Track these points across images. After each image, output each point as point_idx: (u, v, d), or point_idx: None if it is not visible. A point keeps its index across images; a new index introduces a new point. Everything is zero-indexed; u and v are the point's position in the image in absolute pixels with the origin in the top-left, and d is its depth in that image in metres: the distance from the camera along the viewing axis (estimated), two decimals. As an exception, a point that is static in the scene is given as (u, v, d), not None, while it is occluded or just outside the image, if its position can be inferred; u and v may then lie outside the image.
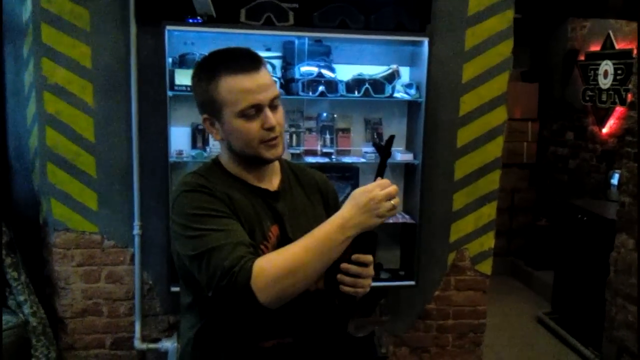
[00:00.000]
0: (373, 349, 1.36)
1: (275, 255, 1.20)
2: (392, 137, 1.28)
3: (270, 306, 1.17)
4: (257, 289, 1.14)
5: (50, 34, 2.61)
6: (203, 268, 1.20)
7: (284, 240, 1.31)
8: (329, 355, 1.41)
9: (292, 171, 1.46)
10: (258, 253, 1.23)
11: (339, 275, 1.26)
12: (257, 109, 1.26)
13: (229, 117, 1.27)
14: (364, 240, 1.24)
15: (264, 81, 1.28)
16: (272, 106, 1.29)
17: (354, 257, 1.25)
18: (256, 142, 1.28)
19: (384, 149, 1.28)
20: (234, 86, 1.25)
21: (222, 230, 1.21)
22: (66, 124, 2.69)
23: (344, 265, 1.25)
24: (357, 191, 1.22)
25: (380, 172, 1.26)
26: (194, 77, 1.33)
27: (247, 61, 1.28)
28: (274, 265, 1.16)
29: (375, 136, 2.90)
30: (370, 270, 1.28)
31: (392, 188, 1.22)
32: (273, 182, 1.39)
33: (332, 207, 1.47)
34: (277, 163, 1.40)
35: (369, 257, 1.26)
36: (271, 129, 1.28)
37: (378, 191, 1.20)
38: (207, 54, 1.35)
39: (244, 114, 1.26)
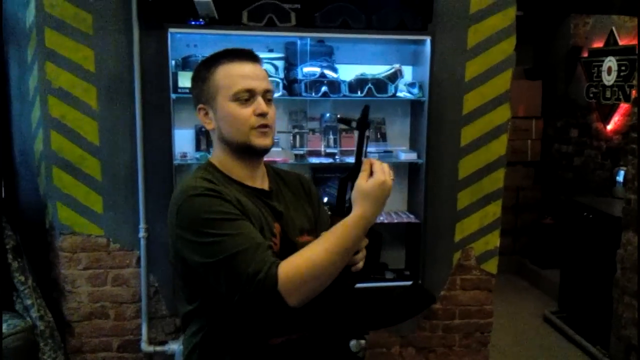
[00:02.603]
0: (425, 293, 1.39)
1: (298, 258, 1.19)
2: (367, 107, 1.30)
3: (299, 305, 1.20)
4: (285, 293, 1.16)
5: (53, 38, 2.62)
6: (223, 275, 1.18)
7: (285, 237, 1.34)
8: (337, 349, 1.42)
9: (276, 174, 1.50)
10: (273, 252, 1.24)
11: None
12: (251, 94, 1.31)
13: (223, 101, 1.31)
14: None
15: (260, 72, 1.34)
16: (266, 99, 1.33)
17: None
18: (247, 127, 1.31)
19: (361, 121, 1.29)
20: (231, 71, 1.31)
21: (239, 234, 1.20)
22: (71, 127, 2.70)
23: None
24: (368, 187, 1.23)
25: (359, 148, 1.30)
26: (194, 73, 1.38)
27: (246, 53, 1.35)
28: (300, 270, 1.17)
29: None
30: (364, 242, 1.31)
31: (387, 166, 1.27)
32: (264, 183, 1.42)
33: (316, 205, 1.52)
34: (263, 167, 1.43)
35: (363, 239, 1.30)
36: (263, 114, 1.31)
37: (389, 180, 1.24)
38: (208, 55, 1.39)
39: (237, 98, 1.30)
